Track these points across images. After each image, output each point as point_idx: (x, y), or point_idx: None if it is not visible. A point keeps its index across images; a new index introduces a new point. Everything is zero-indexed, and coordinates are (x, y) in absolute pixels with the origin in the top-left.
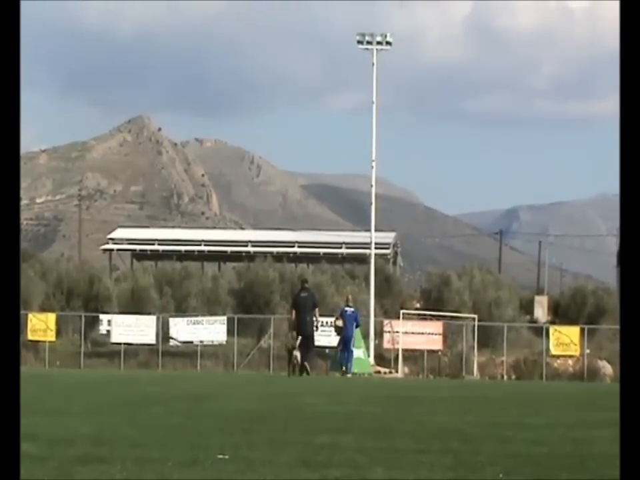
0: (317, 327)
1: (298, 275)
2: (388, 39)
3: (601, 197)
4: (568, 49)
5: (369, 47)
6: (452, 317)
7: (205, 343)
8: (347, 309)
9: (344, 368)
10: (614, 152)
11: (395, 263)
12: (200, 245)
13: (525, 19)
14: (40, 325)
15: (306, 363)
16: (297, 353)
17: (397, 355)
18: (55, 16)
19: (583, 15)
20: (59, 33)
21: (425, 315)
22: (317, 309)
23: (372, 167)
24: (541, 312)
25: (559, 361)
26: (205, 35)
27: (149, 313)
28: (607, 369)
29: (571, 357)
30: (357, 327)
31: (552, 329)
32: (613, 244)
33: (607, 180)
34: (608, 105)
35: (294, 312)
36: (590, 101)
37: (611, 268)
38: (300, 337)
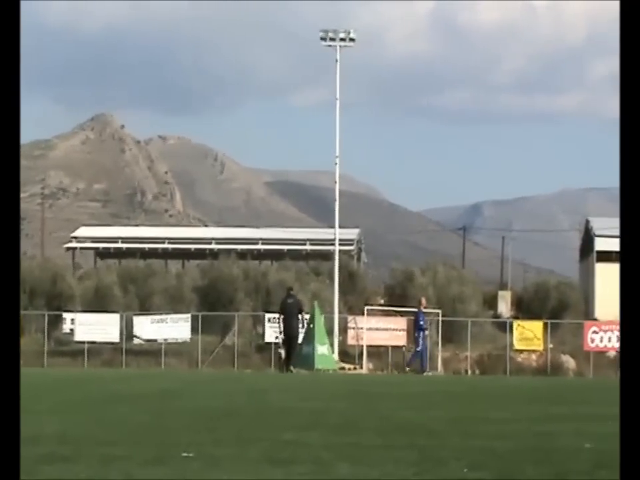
0: (302, 330)
1: (262, 272)
2: (351, 35)
3: (564, 192)
4: (531, 44)
5: (333, 43)
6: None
7: (169, 341)
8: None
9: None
10: (577, 147)
11: (358, 259)
12: (164, 242)
13: (488, 15)
14: None
15: (291, 363)
16: (282, 352)
17: (361, 351)
18: None
19: (545, 11)
20: (22, 29)
21: (389, 310)
22: (301, 314)
23: (335, 164)
24: (504, 307)
25: (522, 356)
26: (169, 31)
27: (113, 311)
28: (570, 363)
29: (534, 351)
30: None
31: (515, 323)
32: (575, 239)
33: (570, 175)
34: (571, 100)
35: (281, 316)
36: (553, 96)
37: (574, 262)
38: (286, 339)
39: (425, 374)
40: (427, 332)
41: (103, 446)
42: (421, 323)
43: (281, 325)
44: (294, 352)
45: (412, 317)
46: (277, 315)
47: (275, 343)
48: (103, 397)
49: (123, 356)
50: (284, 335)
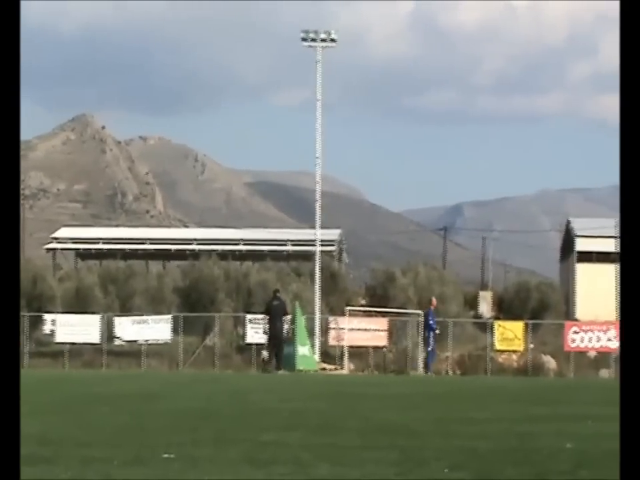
0: (287, 331)
1: (243, 273)
2: (332, 35)
3: (544, 192)
4: (511, 45)
5: (313, 43)
6: (397, 313)
7: (149, 342)
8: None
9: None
10: (557, 148)
11: (340, 259)
12: (144, 243)
13: (468, 16)
14: None
15: (278, 364)
16: (266, 353)
17: (343, 352)
18: None
19: (525, 12)
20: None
21: (370, 311)
22: (287, 316)
23: (317, 164)
24: (485, 307)
25: (503, 356)
26: (149, 32)
27: (93, 312)
28: (551, 363)
29: (515, 351)
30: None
31: (496, 324)
32: (556, 239)
33: (550, 176)
34: (551, 100)
35: (267, 318)
36: (533, 97)
37: (554, 263)
38: (271, 340)
39: (428, 373)
40: (437, 332)
41: (83, 447)
42: (431, 322)
43: (266, 327)
44: (281, 353)
45: (393, 318)
46: (261, 317)
47: (257, 344)
48: (83, 398)
49: (103, 357)
50: (269, 337)
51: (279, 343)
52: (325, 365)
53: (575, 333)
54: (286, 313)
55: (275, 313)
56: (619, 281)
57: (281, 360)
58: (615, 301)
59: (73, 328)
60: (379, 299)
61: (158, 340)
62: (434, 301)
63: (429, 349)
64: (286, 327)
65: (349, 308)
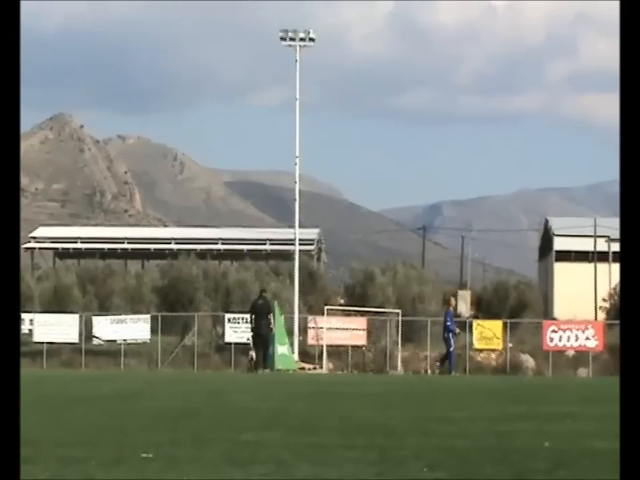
0: (271, 329)
1: (221, 272)
2: (311, 35)
3: (523, 191)
4: (491, 45)
5: (292, 43)
6: (376, 313)
7: (128, 342)
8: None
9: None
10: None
11: (318, 259)
12: (123, 242)
13: (448, 16)
14: None
15: (261, 364)
16: (252, 353)
17: (321, 351)
18: None
19: (505, 12)
20: None
21: (349, 310)
22: (270, 315)
23: (295, 164)
24: (464, 306)
25: (482, 355)
26: (127, 31)
27: (72, 312)
28: (530, 362)
29: (493, 350)
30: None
31: (475, 323)
32: (534, 238)
33: (529, 175)
34: (530, 100)
35: (252, 317)
36: (512, 96)
37: (533, 262)
38: (257, 339)
39: (452, 374)
40: (457, 332)
41: (62, 447)
42: (449, 323)
43: (252, 326)
44: (266, 351)
45: (372, 317)
46: (240, 316)
47: (236, 344)
48: (62, 398)
49: (82, 356)
50: (254, 336)
51: (264, 342)
52: (304, 365)
53: (554, 332)
54: (269, 312)
55: (259, 312)
56: (610, 280)
57: (266, 359)
58: (594, 300)
59: (51, 327)
60: (357, 298)
61: (137, 339)
62: (452, 301)
63: (451, 349)
64: (271, 326)
65: (327, 307)
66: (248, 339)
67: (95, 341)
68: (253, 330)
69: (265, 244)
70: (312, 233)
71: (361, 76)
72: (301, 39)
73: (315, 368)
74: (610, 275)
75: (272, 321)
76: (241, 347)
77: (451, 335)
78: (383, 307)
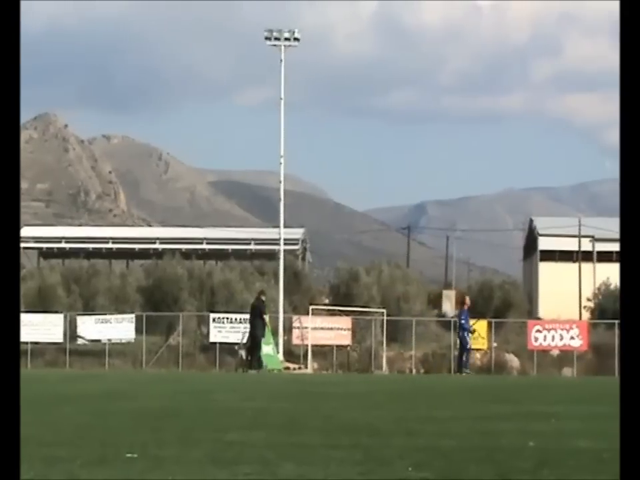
0: (264, 330)
1: (206, 272)
2: (296, 35)
3: (508, 191)
4: (475, 45)
5: (277, 43)
6: (361, 312)
7: (113, 341)
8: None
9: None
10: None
11: (303, 258)
12: (108, 242)
13: (432, 16)
14: None
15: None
16: (242, 352)
17: (306, 351)
18: None
19: (490, 12)
20: None
21: (333, 310)
22: (265, 316)
23: (280, 163)
24: (448, 306)
25: None
26: (112, 31)
27: (56, 312)
28: (514, 362)
29: (478, 350)
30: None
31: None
32: (519, 238)
33: (513, 175)
34: (514, 100)
35: (249, 319)
36: (497, 96)
37: (517, 262)
38: (249, 339)
39: (463, 373)
40: (472, 331)
41: (46, 446)
42: (463, 322)
43: (248, 327)
44: (258, 351)
45: (357, 317)
46: (232, 316)
47: (221, 343)
48: (46, 398)
49: (66, 356)
50: (249, 336)
51: (256, 341)
52: (289, 364)
53: (538, 331)
54: (263, 314)
55: (254, 313)
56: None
57: (256, 358)
58: (578, 300)
59: (36, 327)
60: (342, 297)
61: (121, 339)
62: (467, 300)
63: (467, 347)
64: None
65: (312, 307)
66: (239, 340)
67: (80, 341)
68: (248, 332)
69: (249, 244)
70: (297, 233)
71: (345, 76)
72: (286, 39)
73: (299, 368)
74: (594, 274)
75: (266, 321)
76: (226, 347)
77: (465, 333)
78: (368, 307)
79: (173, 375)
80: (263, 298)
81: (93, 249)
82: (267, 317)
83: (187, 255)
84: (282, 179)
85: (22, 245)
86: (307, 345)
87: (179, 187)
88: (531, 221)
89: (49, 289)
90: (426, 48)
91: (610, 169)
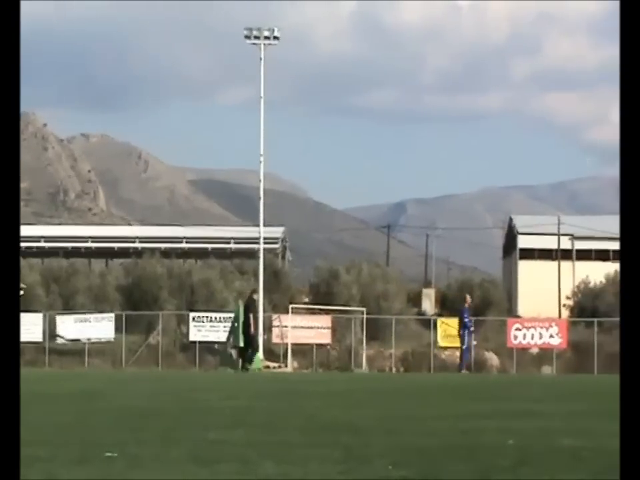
0: (255, 331)
1: (186, 271)
2: (275, 33)
3: (487, 190)
4: (455, 44)
5: (257, 41)
6: (341, 311)
7: (92, 341)
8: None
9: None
10: (499, 145)
11: (283, 257)
12: (87, 241)
13: (412, 15)
14: None
15: (246, 360)
16: (233, 352)
17: (286, 350)
18: None
19: (469, 11)
20: None
21: (313, 309)
22: (257, 316)
23: (260, 162)
24: (428, 304)
25: (446, 353)
26: (91, 29)
27: (36, 311)
28: (494, 360)
29: (458, 348)
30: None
31: (439, 321)
32: (498, 236)
33: (493, 173)
34: (494, 99)
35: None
36: (476, 95)
37: (497, 260)
38: (244, 337)
39: (462, 372)
40: (472, 329)
41: (25, 446)
42: (466, 320)
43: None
44: (253, 351)
45: (337, 315)
46: (211, 315)
47: (201, 342)
48: (25, 398)
49: (46, 356)
50: (241, 334)
51: (249, 340)
52: (269, 363)
53: (518, 329)
54: (252, 312)
55: (246, 313)
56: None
57: (249, 358)
58: (558, 298)
59: None
60: (322, 296)
61: (101, 338)
62: (468, 298)
63: (464, 346)
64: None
65: (292, 306)
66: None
67: (59, 340)
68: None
69: (229, 242)
70: (277, 232)
71: (326, 74)
72: (266, 37)
73: (279, 366)
74: (574, 272)
75: (257, 322)
76: (206, 346)
77: (466, 331)
78: (348, 305)
79: (152, 374)
80: (255, 297)
81: (72, 248)
82: (251, 316)
83: (166, 253)
84: (262, 177)
85: None
86: (287, 344)
87: (159, 185)
88: (511, 219)
89: (28, 288)
90: (406, 47)
91: (590, 166)
